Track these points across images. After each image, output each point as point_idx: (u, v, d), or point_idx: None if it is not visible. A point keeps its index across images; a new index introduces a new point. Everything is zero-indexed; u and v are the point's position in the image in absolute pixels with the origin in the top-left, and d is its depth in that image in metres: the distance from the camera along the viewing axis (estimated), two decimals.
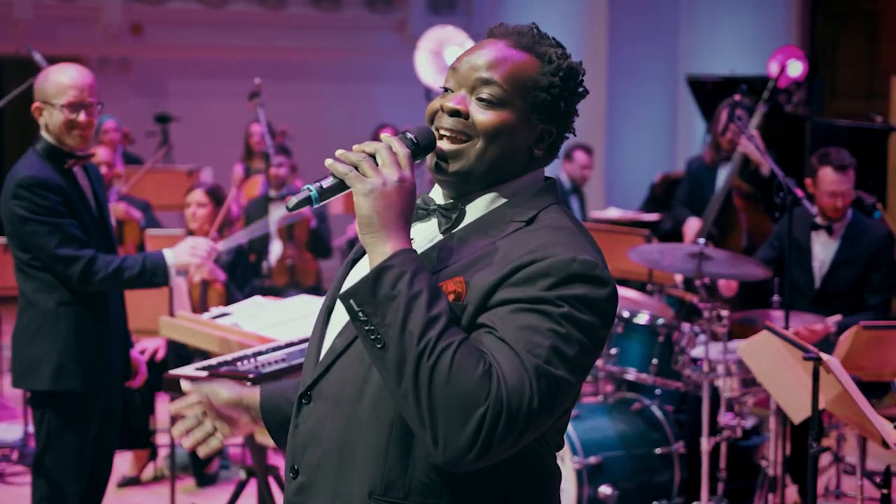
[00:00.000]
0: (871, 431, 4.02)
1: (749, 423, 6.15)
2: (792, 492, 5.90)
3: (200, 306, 6.34)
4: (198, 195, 6.64)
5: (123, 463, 6.58)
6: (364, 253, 2.31)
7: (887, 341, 5.09)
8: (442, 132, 2.25)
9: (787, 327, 5.06)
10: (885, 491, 3.92)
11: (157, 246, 5.97)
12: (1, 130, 13.45)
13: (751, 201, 7.73)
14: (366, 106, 13.25)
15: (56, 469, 4.48)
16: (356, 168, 2.12)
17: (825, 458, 6.01)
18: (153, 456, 6.69)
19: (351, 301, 2.07)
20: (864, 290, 6.00)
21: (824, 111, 12.20)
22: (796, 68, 11.27)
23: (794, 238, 5.97)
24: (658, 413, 5.88)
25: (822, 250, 6.02)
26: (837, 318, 5.74)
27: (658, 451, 5.73)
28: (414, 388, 2.01)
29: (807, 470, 5.30)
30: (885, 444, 3.98)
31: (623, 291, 6.52)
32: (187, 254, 4.72)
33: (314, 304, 5.19)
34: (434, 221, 2.29)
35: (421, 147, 2.23)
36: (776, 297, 5.64)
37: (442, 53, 11.31)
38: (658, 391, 6.12)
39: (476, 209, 2.28)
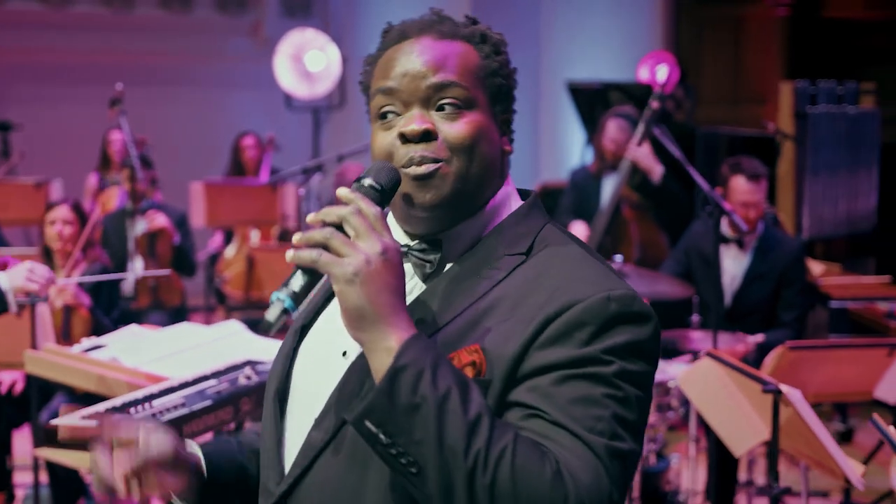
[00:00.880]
0: (832, 469, 3.71)
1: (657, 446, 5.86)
2: None
3: (63, 335, 5.75)
4: (64, 212, 6.02)
5: None
6: (317, 314, 1.93)
7: (813, 363, 4.87)
8: (413, 166, 1.83)
9: (715, 349, 4.75)
10: None
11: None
12: None
13: (640, 212, 7.45)
14: (223, 113, 12.64)
15: None
16: (325, 248, 1.68)
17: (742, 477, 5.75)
18: (10, 499, 6.09)
19: (367, 423, 1.63)
20: (777, 306, 5.75)
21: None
22: (664, 73, 11.13)
23: (701, 252, 5.72)
24: None
25: (733, 265, 5.74)
26: (759, 337, 5.48)
27: None
28: None
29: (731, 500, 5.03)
30: (846, 482, 3.67)
31: None
32: (23, 277, 4.32)
33: (199, 333, 4.71)
34: (407, 268, 1.87)
35: (387, 193, 1.80)
36: (696, 317, 5.35)
37: (302, 58, 10.86)
38: None
39: (456, 245, 1.88)
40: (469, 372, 1.72)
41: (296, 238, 1.71)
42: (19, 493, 6.28)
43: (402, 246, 1.83)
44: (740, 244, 5.73)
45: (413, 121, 1.83)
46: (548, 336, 1.71)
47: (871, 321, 6.21)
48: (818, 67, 10.71)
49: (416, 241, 1.88)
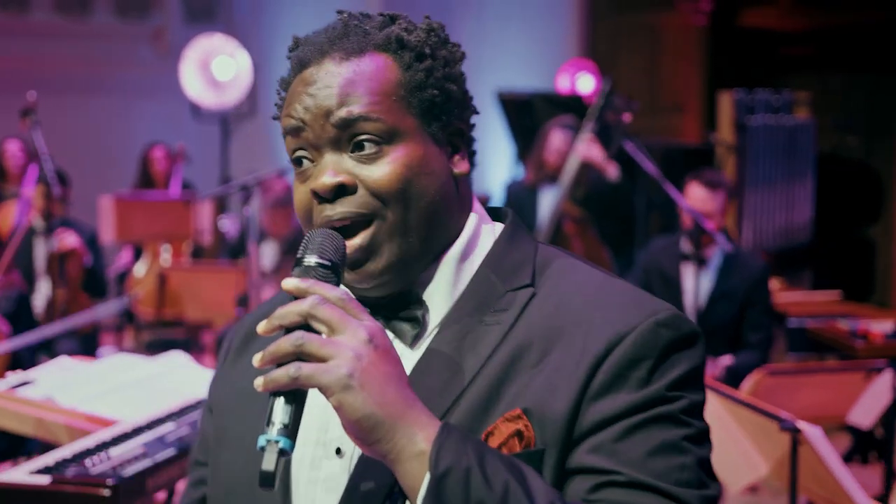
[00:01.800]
0: None
1: None
2: None
3: None
4: None
5: None
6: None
7: (790, 388, 4.67)
8: (337, 227, 1.48)
9: None
10: None
11: None
12: None
13: (582, 226, 7.19)
14: (126, 123, 12.12)
15: None
16: (300, 359, 1.33)
17: None
18: None
19: None
20: (742, 327, 5.51)
21: None
22: (587, 83, 10.96)
23: (661, 270, 5.47)
24: None
25: (694, 283, 5.48)
26: (727, 360, 5.24)
27: None
28: None
29: None
30: None
31: None
32: None
33: (138, 366, 4.30)
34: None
35: (339, 266, 1.46)
36: None
37: (210, 65, 10.42)
38: None
39: (437, 293, 1.54)
40: (515, 445, 1.42)
41: (256, 359, 1.35)
42: None
43: (366, 302, 1.49)
44: (700, 261, 5.48)
45: (323, 172, 1.48)
46: (601, 383, 1.43)
47: (832, 340, 6.04)
48: (735, 77, 10.62)
49: (385, 299, 1.54)
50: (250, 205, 6.29)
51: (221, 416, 1.67)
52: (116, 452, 3.20)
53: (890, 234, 10.23)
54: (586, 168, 7.05)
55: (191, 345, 8.83)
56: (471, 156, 1.59)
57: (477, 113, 1.62)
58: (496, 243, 1.58)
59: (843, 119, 10.53)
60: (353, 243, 1.47)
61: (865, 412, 4.84)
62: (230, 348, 1.74)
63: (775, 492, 3.89)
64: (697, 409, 1.47)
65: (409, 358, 1.51)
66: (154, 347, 8.19)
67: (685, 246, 5.52)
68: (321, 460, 1.52)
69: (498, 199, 8.93)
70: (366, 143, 1.47)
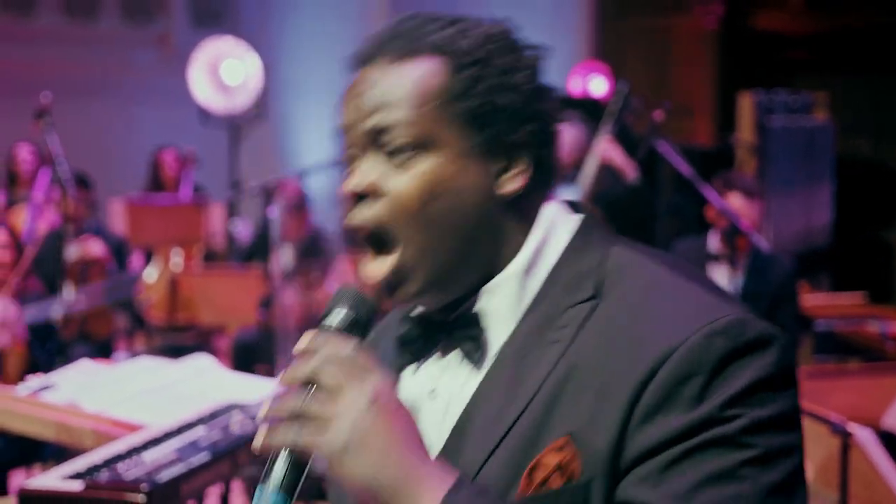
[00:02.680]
0: None
1: None
2: None
3: None
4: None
5: None
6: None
7: (824, 391, 4.63)
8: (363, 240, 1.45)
9: None
10: None
11: None
12: None
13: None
14: (134, 127, 12.03)
15: None
16: (298, 421, 1.30)
17: None
18: None
19: None
20: None
21: None
22: (600, 85, 10.89)
23: None
24: None
25: (726, 284, 5.40)
26: None
27: None
28: None
29: None
30: None
31: None
32: None
33: (162, 370, 4.22)
34: (448, 358, 1.48)
35: (362, 322, 1.40)
36: None
37: (219, 69, 10.33)
38: None
39: (502, 313, 1.45)
40: (557, 481, 1.33)
41: (260, 415, 1.32)
42: None
43: (432, 322, 1.46)
44: (732, 263, 5.40)
45: (355, 175, 1.44)
46: (646, 406, 1.30)
47: (863, 343, 5.96)
48: (746, 80, 10.56)
49: (446, 317, 1.47)
50: (273, 206, 6.21)
51: None
52: (149, 457, 3.12)
53: None
54: (603, 169, 6.94)
55: (203, 350, 8.74)
56: (540, 169, 1.45)
57: (556, 121, 1.49)
58: (564, 253, 1.46)
59: (853, 121, 10.49)
60: (379, 272, 1.43)
61: None
62: None
63: (822, 498, 3.80)
64: (768, 426, 1.31)
65: (473, 382, 1.44)
66: (166, 352, 8.11)
67: (715, 247, 5.44)
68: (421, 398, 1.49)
69: None
70: (398, 149, 1.41)
